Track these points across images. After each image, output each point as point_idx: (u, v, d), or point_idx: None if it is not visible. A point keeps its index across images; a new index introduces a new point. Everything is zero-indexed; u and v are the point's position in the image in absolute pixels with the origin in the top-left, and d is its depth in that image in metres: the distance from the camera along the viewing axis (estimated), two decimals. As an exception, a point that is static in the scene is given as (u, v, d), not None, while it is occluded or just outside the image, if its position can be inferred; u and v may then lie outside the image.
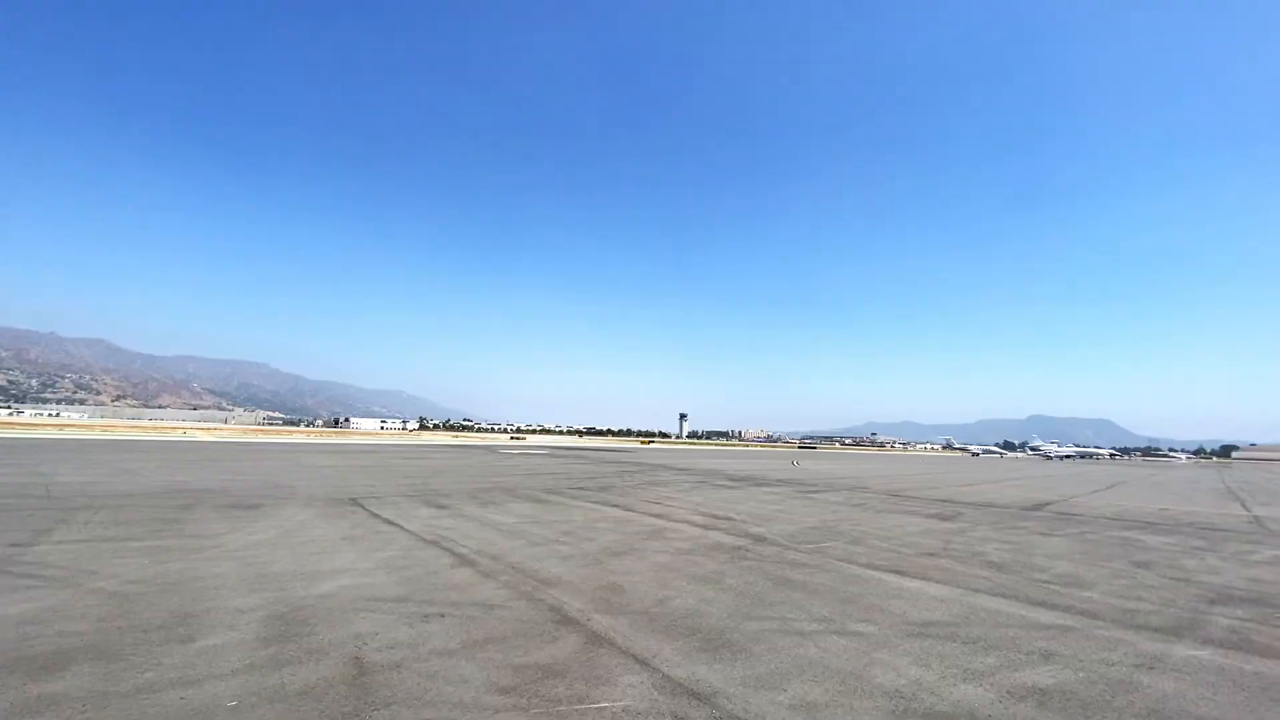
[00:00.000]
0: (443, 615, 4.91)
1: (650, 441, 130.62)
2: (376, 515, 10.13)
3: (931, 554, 8.28)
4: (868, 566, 7.34)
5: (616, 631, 4.65)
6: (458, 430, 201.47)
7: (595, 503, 13.06)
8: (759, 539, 9.06)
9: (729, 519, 11.14)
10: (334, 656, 3.93)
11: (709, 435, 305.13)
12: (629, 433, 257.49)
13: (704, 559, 7.49)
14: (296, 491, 13.08)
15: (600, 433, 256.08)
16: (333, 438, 68.84)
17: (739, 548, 8.31)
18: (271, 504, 10.97)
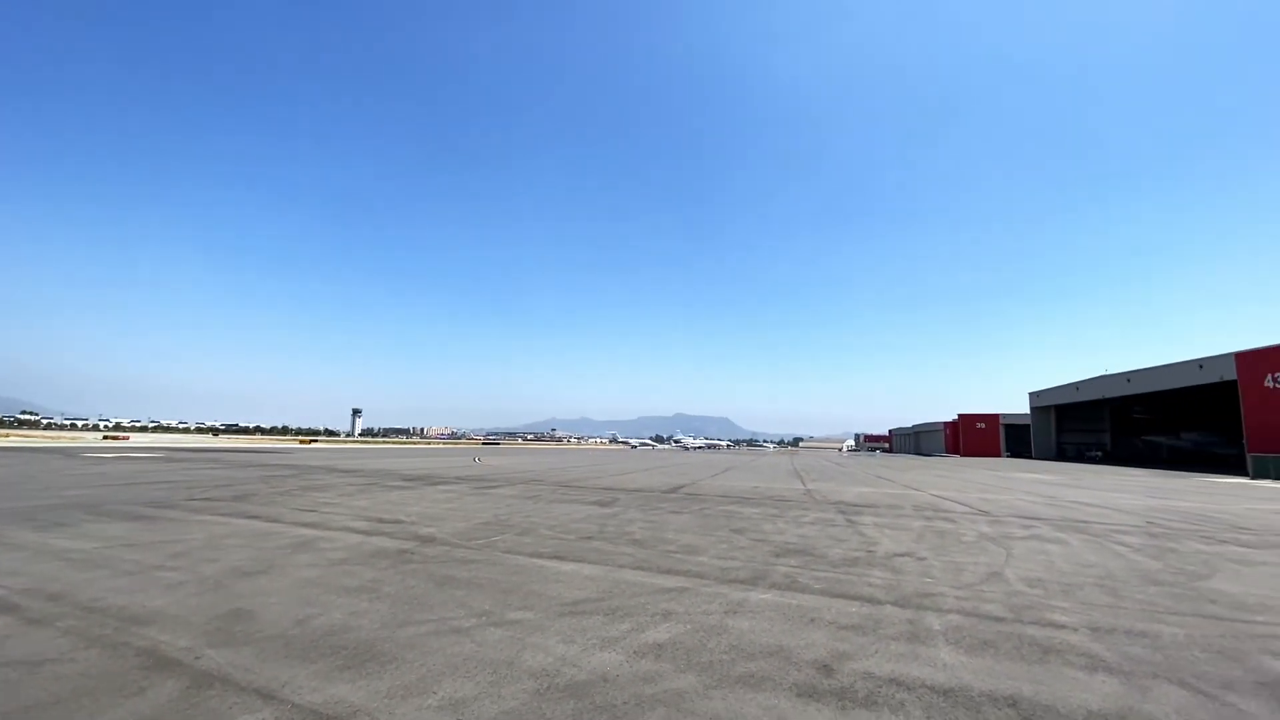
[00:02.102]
0: (-59, 692, 3.45)
1: (312, 441, 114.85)
2: None
3: (589, 537, 9.15)
4: (534, 555, 7.72)
5: (236, 666, 3.92)
6: (9, 427, 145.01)
7: (226, 515, 10.84)
8: (427, 540, 8.73)
9: (397, 521, 10.47)
10: None
11: (386, 433, 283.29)
12: (286, 430, 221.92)
13: (362, 568, 6.87)
14: None
15: (246, 431, 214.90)
16: None
17: (404, 551, 7.86)
18: None
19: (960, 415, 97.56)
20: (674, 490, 17.95)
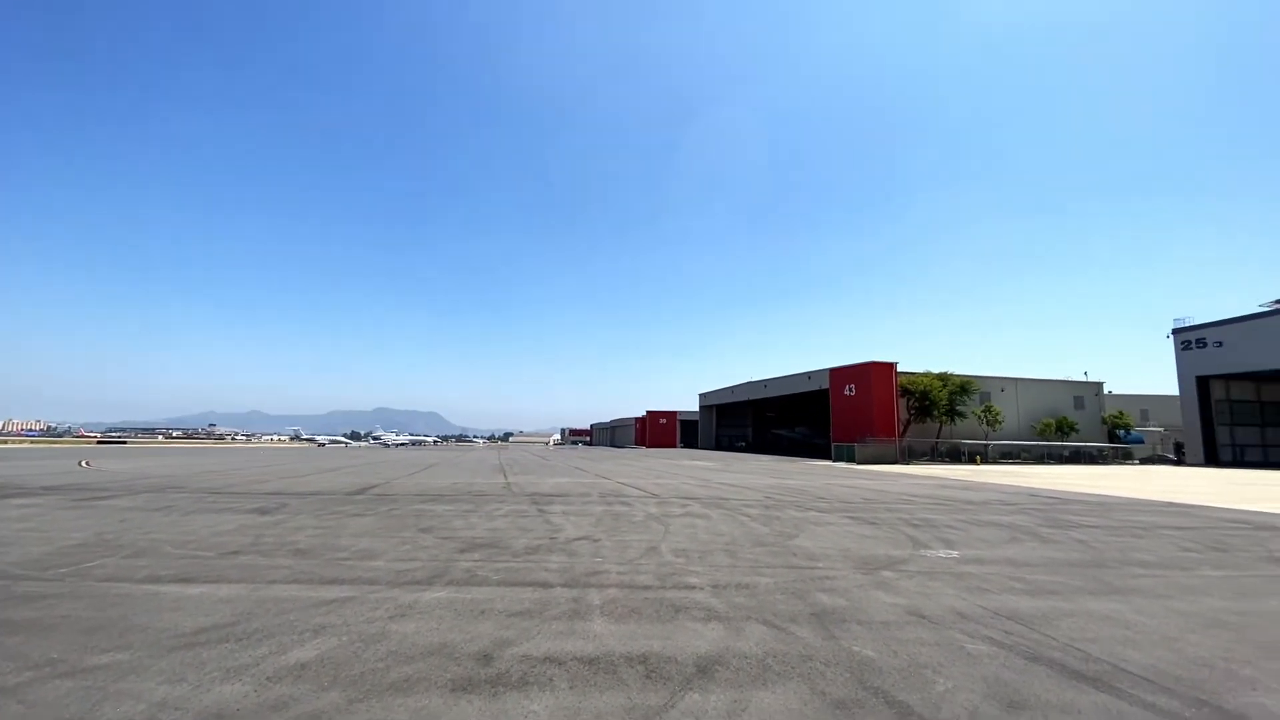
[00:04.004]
0: None
1: None
2: None
3: (235, 552, 7.71)
4: (148, 581, 6.17)
5: None
6: None
7: None
8: (-32, 576, 6.29)
9: (-88, 555, 7.32)
10: None
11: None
12: None
13: None
14: None
15: None
16: None
17: (-84, 596, 5.52)
18: None
19: (648, 412, 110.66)
20: (361, 491, 16.37)
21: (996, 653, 4.38)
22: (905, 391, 49.24)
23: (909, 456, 46.38)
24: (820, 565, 7.38)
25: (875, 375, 48.67)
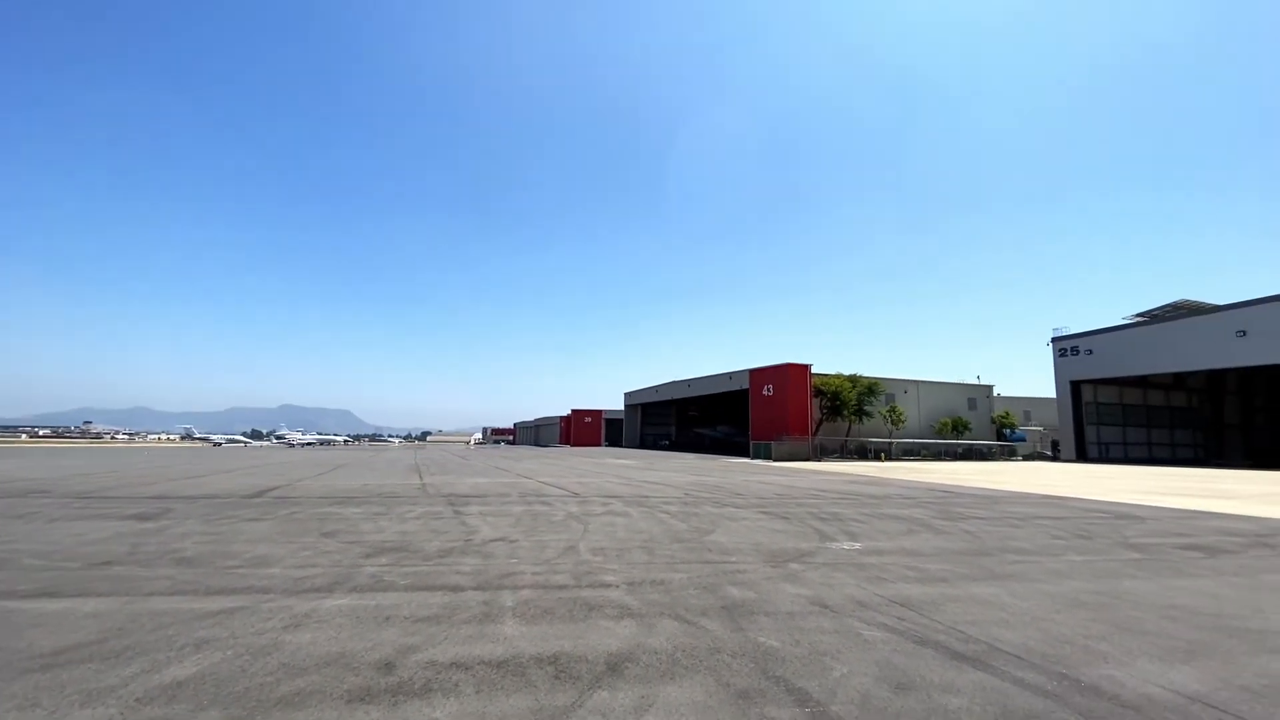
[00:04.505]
0: None
1: None
2: None
3: (108, 562, 7.00)
4: (2, 596, 5.49)
5: None
6: None
7: None
8: None
9: None
10: None
11: None
12: None
13: None
14: None
15: None
16: None
17: None
18: None
19: (573, 410, 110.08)
20: (260, 494, 15.29)
21: (889, 638, 4.67)
22: (818, 392, 51.56)
23: (821, 454, 48.60)
24: (733, 559, 7.59)
25: (791, 376, 50.66)
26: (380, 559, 7.41)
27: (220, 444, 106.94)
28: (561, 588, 6.05)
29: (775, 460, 43.66)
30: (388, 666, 3.96)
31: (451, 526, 10.08)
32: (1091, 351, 51.76)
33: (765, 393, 52.72)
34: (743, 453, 53.98)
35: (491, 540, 8.75)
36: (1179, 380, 58.15)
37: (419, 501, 13.86)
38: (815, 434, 50.33)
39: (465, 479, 21.46)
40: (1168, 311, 50.89)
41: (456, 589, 5.98)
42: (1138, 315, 52.36)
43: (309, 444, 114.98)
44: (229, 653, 4.18)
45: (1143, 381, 54.70)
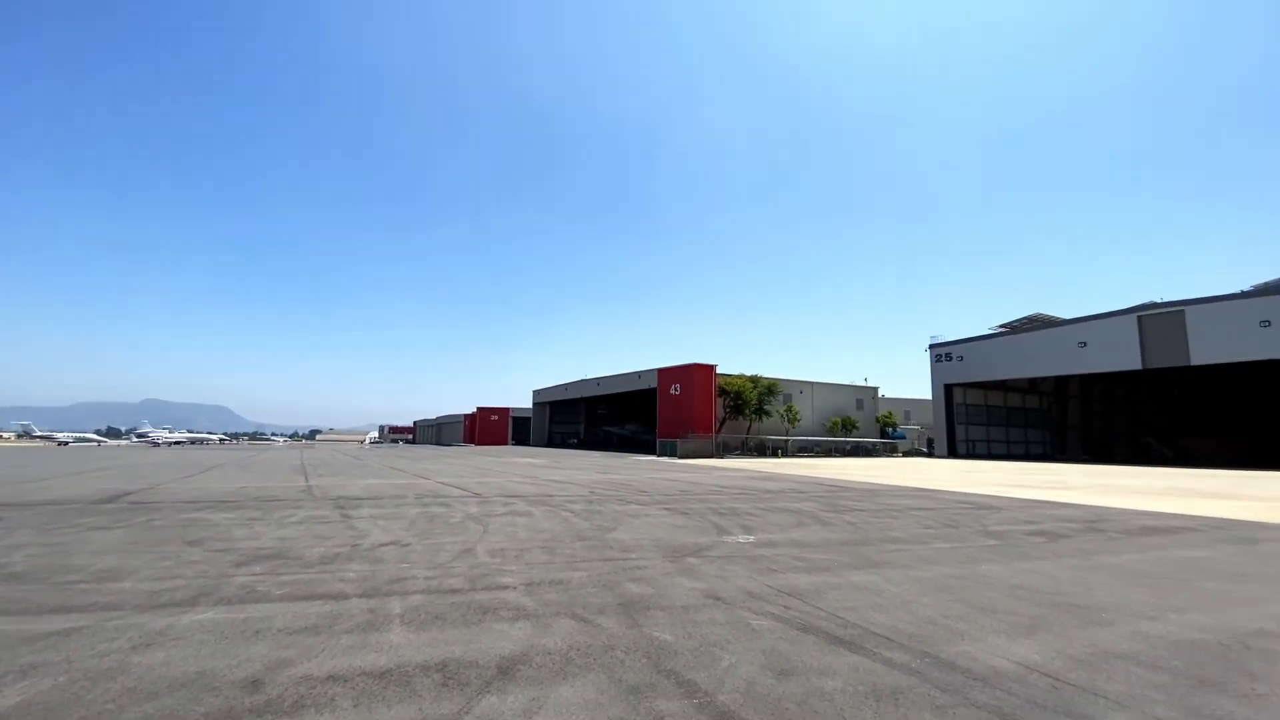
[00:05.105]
0: None
1: None
2: None
3: (-93, 584, 5.98)
4: None
5: None
6: None
7: None
8: None
9: None
10: None
11: None
12: None
13: None
14: None
15: None
16: None
17: None
18: None
19: (479, 408, 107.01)
20: (112, 499, 13.65)
21: (776, 626, 4.90)
22: (722, 391, 53.35)
23: (724, 451, 50.28)
24: (633, 556, 7.68)
25: (698, 376, 52.04)
26: (254, 568, 6.84)
27: (67, 443, 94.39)
28: (455, 591, 5.86)
29: (681, 457, 44.67)
30: (254, 684, 3.66)
31: (338, 531, 9.48)
32: (962, 358, 57.10)
33: (673, 392, 53.81)
34: (650, 450, 54.78)
35: (382, 544, 8.31)
36: (1032, 385, 65.41)
37: (303, 505, 12.92)
38: (719, 432, 52.01)
39: (357, 480, 20.27)
40: (1024, 323, 57.03)
41: (340, 597, 5.63)
42: (1001, 326, 58.33)
43: (177, 443, 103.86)
44: (62, 679, 3.69)
45: (1003, 386, 61.10)
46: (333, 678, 3.77)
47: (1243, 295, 40.72)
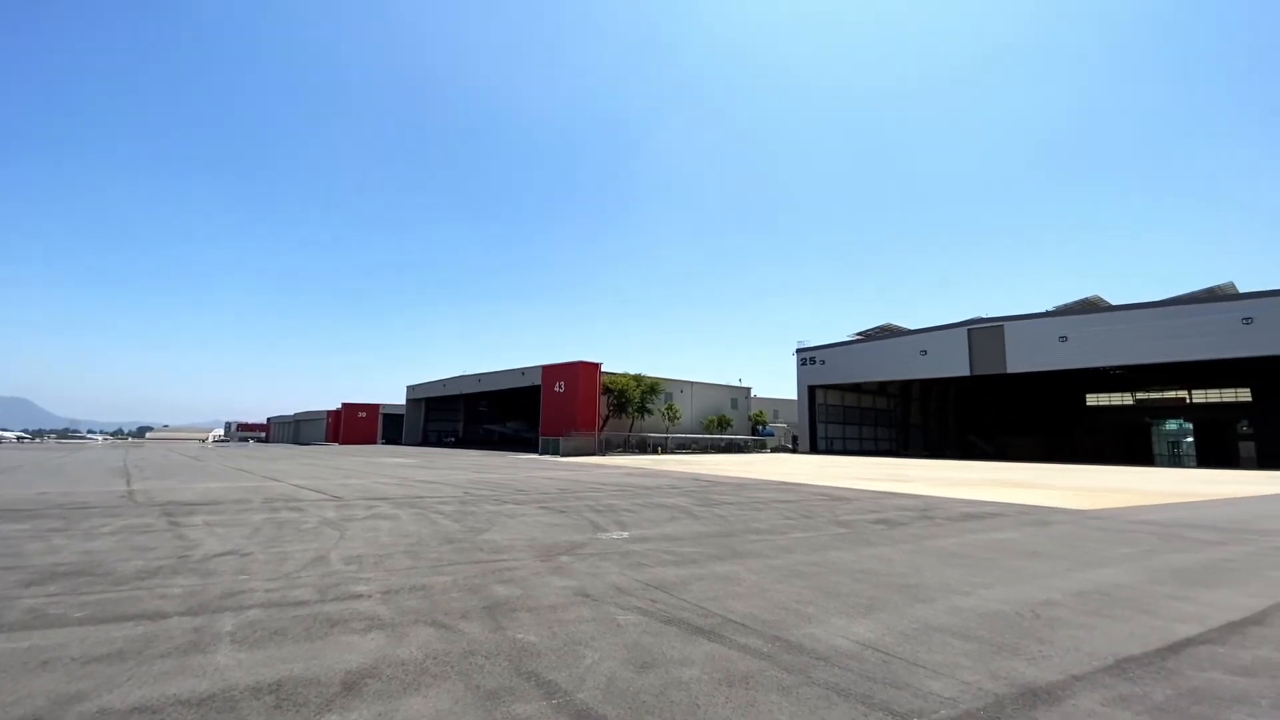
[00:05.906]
0: None
1: None
2: None
3: None
4: None
5: None
6: None
7: None
8: None
9: None
10: None
11: None
12: None
13: None
14: None
15: None
16: None
17: None
18: None
19: (344, 404, 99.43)
20: None
21: (641, 620, 4.99)
22: (606, 390, 53.74)
23: (606, 448, 50.69)
24: (504, 557, 7.49)
25: (582, 374, 52.02)
26: (48, 587, 5.84)
27: None
28: (300, 604, 5.37)
29: (563, 455, 44.38)
30: (33, 726, 3.10)
31: (163, 542, 8.35)
32: (824, 362, 61.96)
33: (557, 389, 53.35)
34: (533, 449, 53.89)
35: (216, 555, 7.44)
36: (882, 388, 72.36)
37: (120, 513, 11.27)
38: (602, 429, 52.34)
39: (193, 483, 18.02)
40: (877, 332, 62.97)
41: (157, 616, 4.95)
42: (858, 334, 63.98)
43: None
44: None
45: (857, 388, 67.02)
46: (139, 709, 3.30)
47: (1047, 314, 47.82)
